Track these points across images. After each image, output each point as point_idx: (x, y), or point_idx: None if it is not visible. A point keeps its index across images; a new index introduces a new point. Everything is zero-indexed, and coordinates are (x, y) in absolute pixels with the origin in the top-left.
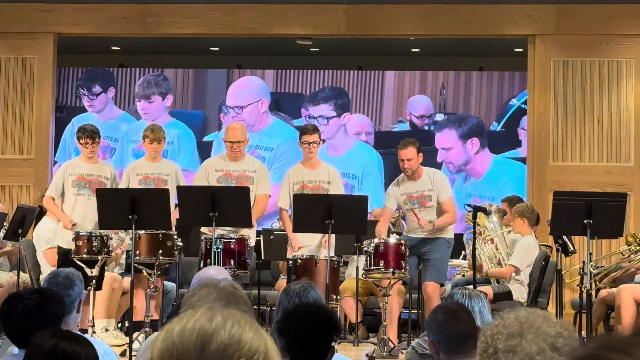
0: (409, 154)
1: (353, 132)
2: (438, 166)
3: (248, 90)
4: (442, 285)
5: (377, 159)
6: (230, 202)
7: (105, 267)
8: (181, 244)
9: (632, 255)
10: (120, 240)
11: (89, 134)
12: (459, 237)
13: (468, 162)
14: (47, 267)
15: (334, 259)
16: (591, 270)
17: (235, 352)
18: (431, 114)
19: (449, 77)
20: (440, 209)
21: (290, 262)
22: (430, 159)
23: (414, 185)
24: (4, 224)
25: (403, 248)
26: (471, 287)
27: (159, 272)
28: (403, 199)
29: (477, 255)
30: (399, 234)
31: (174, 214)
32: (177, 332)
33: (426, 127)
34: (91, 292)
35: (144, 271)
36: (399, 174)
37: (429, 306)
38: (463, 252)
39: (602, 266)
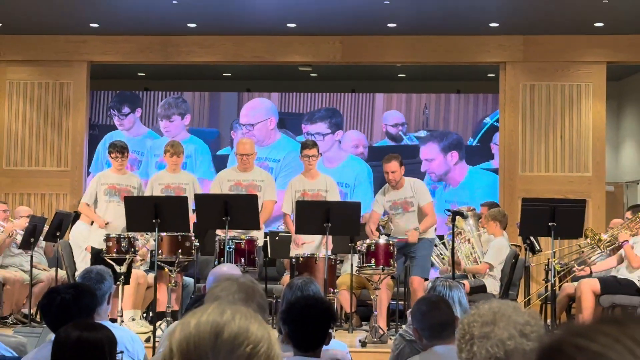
0: (393, 167)
1: (351, 146)
2: (422, 176)
3: (259, 110)
4: (426, 279)
5: (367, 170)
6: (240, 208)
7: (132, 265)
8: (198, 244)
9: (589, 251)
10: (146, 241)
11: (119, 149)
12: (440, 238)
13: (448, 172)
14: (82, 265)
15: (331, 257)
16: (555, 266)
17: (244, 340)
18: (403, 122)
19: (430, 98)
20: (421, 213)
21: (293, 260)
22: (415, 170)
23: (397, 194)
24: (44, 227)
25: (391, 248)
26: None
27: (178, 269)
28: (389, 205)
29: (455, 253)
30: (388, 235)
31: (192, 218)
32: (193, 324)
33: (403, 136)
34: (120, 286)
35: (165, 268)
36: (385, 183)
37: (415, 298)
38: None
39: (565, 263)
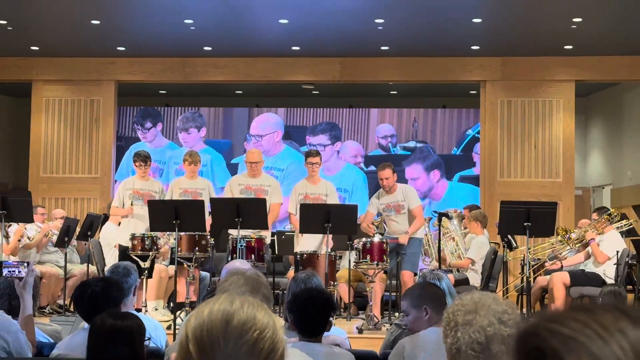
0: (387, 174)
1: (351, 155)
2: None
3: (267, 124)
4: (415, 274)
5: (362, 177)
6: (250, 210)
7: (155, 260)
8: (213, 242)
9: (560, 247)
10: (167, 239)
11: (143, 158)
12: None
13: (431, 189)
14: (110, 261)
15: (332, 253)
16: (530, 261)
17: (252, 326)
18: (392, 134)
19: (419, 113)
20: (411, 215)
21: (298, 256)
22: (400, 176)
23: (390, 197)
24: (77, 227)
25: (385, 245)
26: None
27: (196, 264)
28: (382, 207)
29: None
30: (382, 234)
31: (208, 220)
32: (206, 313)
33: (392, 148)
34: (144, 280)
35: (184, 264)
36: (379, 188)
37: (406, 288)
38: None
39: (538, 259)
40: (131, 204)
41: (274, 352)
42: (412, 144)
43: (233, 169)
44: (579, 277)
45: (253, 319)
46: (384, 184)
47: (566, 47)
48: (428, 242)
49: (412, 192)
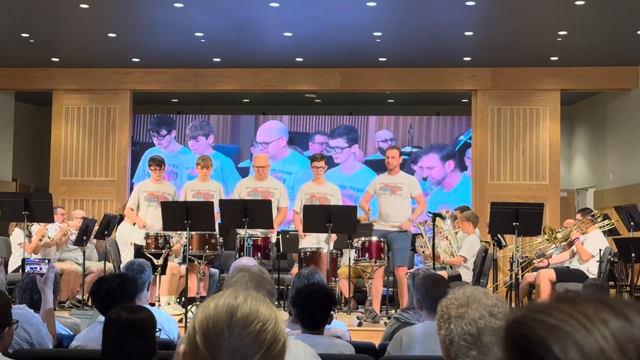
0: (393, 154)
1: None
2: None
3: (272, 131)
4: (409, 268)
5: (374, 177)
6: (257, 211)
7: (168, 258)
8: (222, 241)
9: (546, 246)
10: (179, 238)
11: (157, 162)
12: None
13: (445, 178)
14: (126, 258)
15: (333, 251)
16: (518, 259)
17: (255, 319)
18: (391, 137)
19: (415, 120)
20: (406, 201)
21: (301, 253)
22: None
23: (391, 178)
24: (94, 227)
25: (382, 244)
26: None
27: (206, 262)
28: (381, 186)
29: (435, 248)
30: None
31: (217, 219)
32: (212, 307)
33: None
34: (157, 276)
35: (195, 261)
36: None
37: (401, 284)
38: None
39: (526, 256)
40: (144, 226)
41: (275, 343)
42: (407, 149)
43: (244, 173)
44: (564, 274)
45: (256, 312)
46: (388, 162)
47: (552, 58)
48: (425, 242)
49: (414, 181)
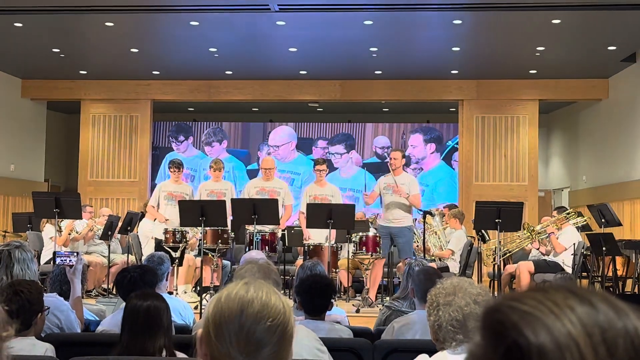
0: (396, 155)
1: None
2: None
3: (283, 135)
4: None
5: (372, 179)
6: (265, 209)
7: (185, 251)
8: (233, 236)
9: (524, 240)
10: (194, 233)
11: (176, 165)
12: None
13: (424, 158)
14: (147, 251)
15: (334, 245)
16: (500, 252)
17: (266, 313)
18: (389, 145)
19: (407, 127)
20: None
21: (305, 247)
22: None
23: (393, 179)
24: (118, 223)
25: (378, 239)
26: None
27: (219, 255)
28: (385, 185)
29: (425, 242)
30: (375, 229)
31: (229, 216)
32: (224, 300)
33: (387, 156)
34: (175, 267)
35: (209, 254)
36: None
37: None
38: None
39: (508, 250)
40: (165, 220)
41: (285, 333)
42: (406, 151)
43: (253, 175)
44: (542, 266)
45: (267, 305)
46: (391, 163)
47: (531, 71)
48: (416, 237)
49: (414, 182)
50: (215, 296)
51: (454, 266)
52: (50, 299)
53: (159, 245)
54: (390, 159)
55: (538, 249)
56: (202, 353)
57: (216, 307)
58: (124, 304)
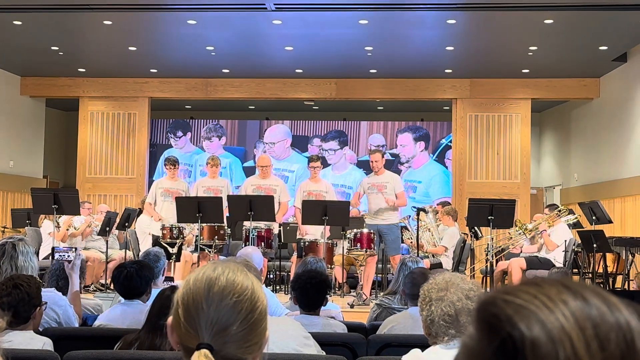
0: (376, 158)
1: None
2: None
3: (278, 133)
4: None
5: (364, 176)
6: (261, 206)
7: (182, 247)
8: (230, 232)
9: (516, 237)
10: (191, 229)
11: (172, 162)
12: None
13: (413, 157)
14: (144, 247)
15: (329, 241)
16: (492, 249)
17: (231, 290)
18: (384, 144)
19: (402, 125)
20: (392, 198)
21: (301, 243)
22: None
23: (377, 178)
24: (116, 219)
25: (372, 235)
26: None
27: (215, 250)
28: (368, 186)
29: (419, 239)
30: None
31: (226, 213)
32: (192, 280)
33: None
34: (172, 263)
35: (206, 250)
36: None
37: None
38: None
39: (500, 247)
40: (159, 219)
41: (253, 311)
42: (396, 150)
43: (249, 172)
44: (533, 262)
45: (232, 283)
46: (373, 166)
47: (524, 70)
48: (410, 234)
49: (398, 179)
50: (184, 281)
51: (447, 262)
52: (48, 294)
53: (156, 241)
54: (371, 162)
55: (519, 254)
56: (173, 341)
57: (185, 288)
58: (120, 298)
